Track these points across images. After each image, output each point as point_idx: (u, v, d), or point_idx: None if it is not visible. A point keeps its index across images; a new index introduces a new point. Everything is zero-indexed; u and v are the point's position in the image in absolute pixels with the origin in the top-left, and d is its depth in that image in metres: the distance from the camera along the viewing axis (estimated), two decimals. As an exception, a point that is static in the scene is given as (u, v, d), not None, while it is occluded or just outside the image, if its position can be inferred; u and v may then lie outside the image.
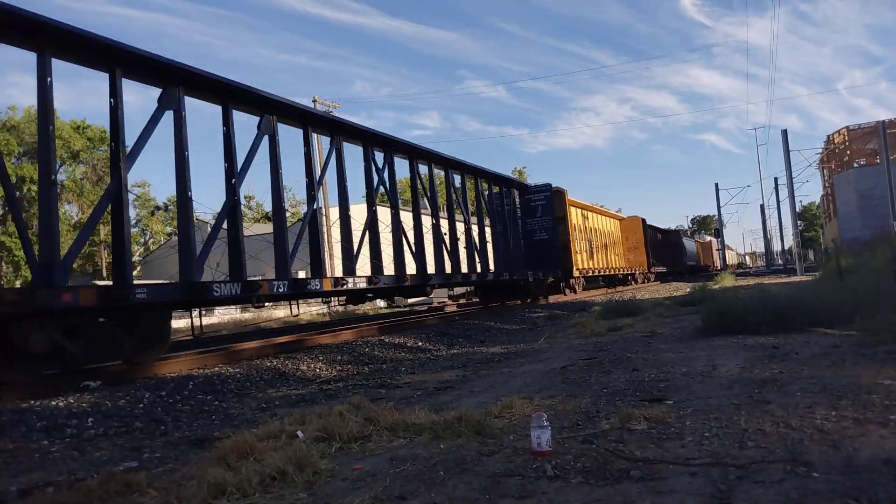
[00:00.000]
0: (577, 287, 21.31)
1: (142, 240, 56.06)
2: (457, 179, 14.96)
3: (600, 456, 2.76)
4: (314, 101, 31.35)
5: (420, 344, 9.33)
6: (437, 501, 2.41)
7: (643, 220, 31.13)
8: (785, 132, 31.37)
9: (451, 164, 14.52)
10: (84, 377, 6.12)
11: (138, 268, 47.22)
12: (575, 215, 21.46)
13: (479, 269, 14.97)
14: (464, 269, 14.25)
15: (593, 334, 8.41)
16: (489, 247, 16.10)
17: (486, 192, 16.77)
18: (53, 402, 5.21)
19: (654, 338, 7.34)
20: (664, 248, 37.32)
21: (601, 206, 31.54)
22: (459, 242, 14.16)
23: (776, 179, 46.89)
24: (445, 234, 13.69)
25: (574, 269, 20.14)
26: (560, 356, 6.54)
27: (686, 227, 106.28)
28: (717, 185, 52.27)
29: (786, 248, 62.68)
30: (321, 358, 7.76)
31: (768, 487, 2.23)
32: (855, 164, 35.63)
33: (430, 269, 12.66)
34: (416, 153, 12.88)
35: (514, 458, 2.86)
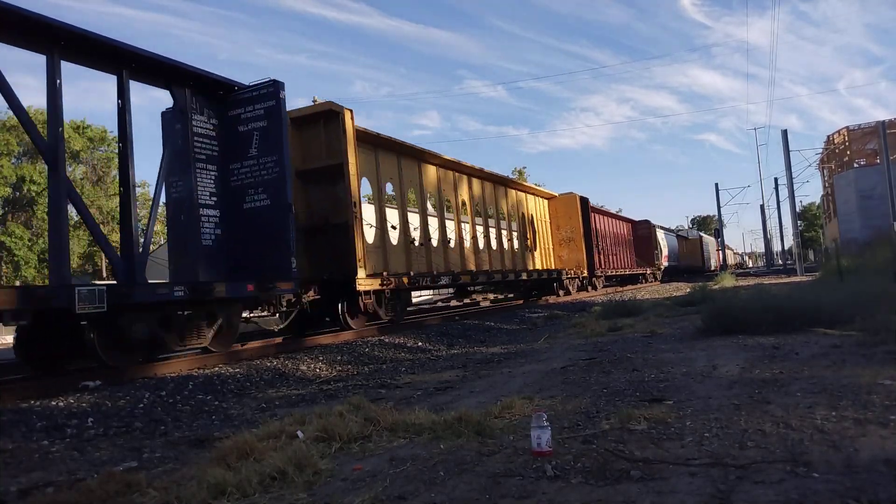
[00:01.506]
0: (378, 309, 10.45)
1: (142, 240, 54.87)
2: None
3: (600, 456, 2.76)
4: (314, 101, 31.19)
5: (420, 344, 9.33)
6: (437, 501, 2.41)
7: (582, 201, 21.33)
8: (785, 132, 31.44)
9: None
10: (83, 377, 6.12)
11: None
12: (366, 163, 10.84)
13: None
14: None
15: (593, 334, 8.41)
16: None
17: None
18: (53, 402, 5.21)
19: (654, 338, 7.34)
20: (625, 244, 28.54)
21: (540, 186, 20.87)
22: None
23: (776, 179, 46.94)
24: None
25: (360, 272, 9.70)
26: (560, 356, 6.54)
27: (686, 227, 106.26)
28: (717, 185, 52.13)
29: (786, 248, 62.73)
30: (321, 358, 7.76)
31: (768, 487, 2.23)
32: (855, 164, 35.63)
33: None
34: None
35: (514, 458, 2.86)
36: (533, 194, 19.73)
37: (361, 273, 9.77)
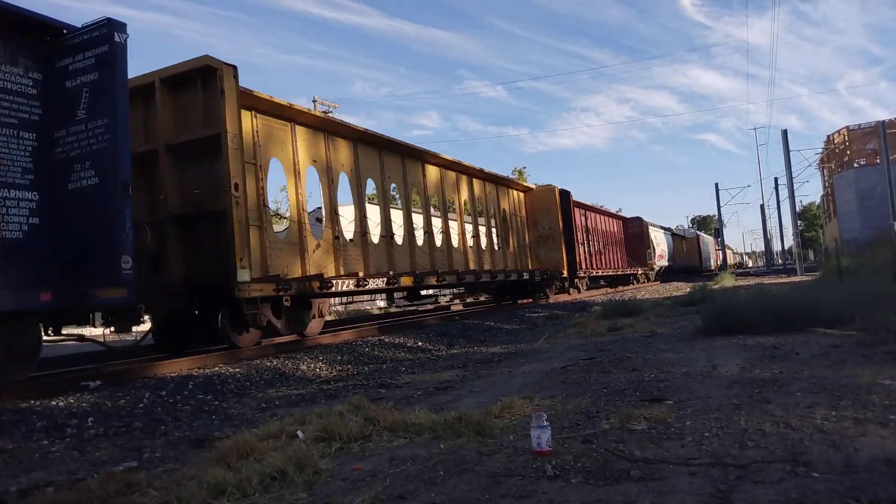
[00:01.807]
0: (276, 320, 8.52)
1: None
2: None
3: (600, 456, 2.76)
4: (314, 100, 31.32)
5: (420, 344, 9.34)
6: (437, 501, 2.41)
7: (562, 194, 19.33)
8: (785, 132, 31.44)
9: None
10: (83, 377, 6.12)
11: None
12: (272, 140, 8.90)
13: None
14: None
15: (593, 334, 8.41)
16: None
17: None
18: (53, 402, 5.21)
19: (654, 338, 7.34)
20: (615, 242, 26.59)
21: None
22: None
23: (776, 179, 46.96)
24: None
25: (241, 274, 7.55)
26: (560, 356, 6.55)
27: (685, 227, 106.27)
28: (717, 185, 52.21)
29: (786, 248, 62.75)
30: (321, 358, 7.76)
31: (768, 487, 2.23)
32: (855, 164, 35.65)
33: None
34: None
35: (514, 458, 2.86)
36: (505, 186, 17.52)
37: (244, 276, 7.53)
